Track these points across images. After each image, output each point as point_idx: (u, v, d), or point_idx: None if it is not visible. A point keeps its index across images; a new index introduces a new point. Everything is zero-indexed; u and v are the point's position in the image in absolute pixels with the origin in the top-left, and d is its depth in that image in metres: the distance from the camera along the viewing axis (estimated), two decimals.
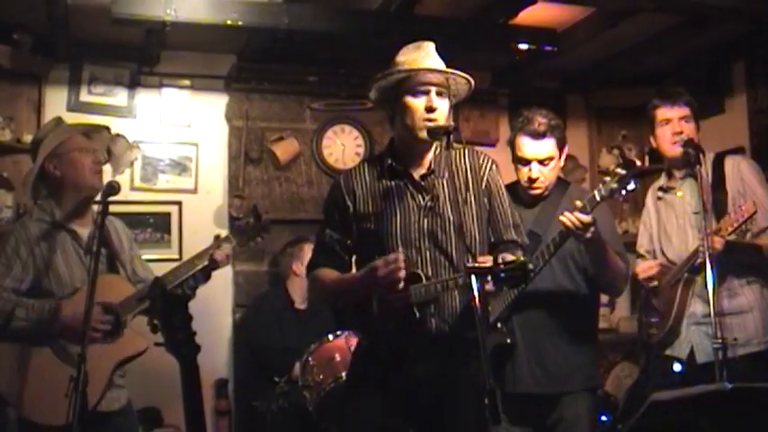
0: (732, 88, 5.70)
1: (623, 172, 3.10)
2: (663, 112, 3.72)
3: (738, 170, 3.66)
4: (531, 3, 4.73)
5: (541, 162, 3.49)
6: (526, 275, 2.58)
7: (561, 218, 3.20)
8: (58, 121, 3.69)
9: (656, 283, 3.76)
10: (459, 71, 2.92)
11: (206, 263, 3.77)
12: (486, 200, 3.01)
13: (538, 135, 3.46)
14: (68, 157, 3.51)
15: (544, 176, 3.51)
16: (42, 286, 3.41)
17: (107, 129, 3.81)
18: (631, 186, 3.09)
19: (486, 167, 3.04)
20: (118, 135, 5.43)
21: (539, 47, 5.28)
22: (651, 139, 3.83)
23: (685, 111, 3.69)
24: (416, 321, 2.85)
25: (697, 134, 3.71)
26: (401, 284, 2.77)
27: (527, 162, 3.51)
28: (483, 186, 3.01)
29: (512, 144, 3.60)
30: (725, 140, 5.14)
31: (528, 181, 3.53)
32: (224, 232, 5.63)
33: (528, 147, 3.49)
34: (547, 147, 3.48)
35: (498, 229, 3.02)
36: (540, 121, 3.46)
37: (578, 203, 3.16)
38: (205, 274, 3.80)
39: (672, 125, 3.68)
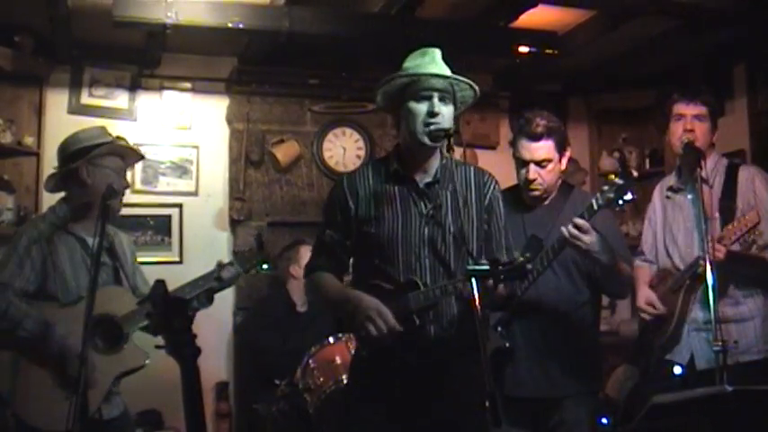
0: (732, 91, 5.69)
1: (621, 182, 3.10)
2: (678, 108, 3.67)
3: (752, 182, 3.61)
4: (532, 6, 4.73)
5: (539, 164, 3.50)
6: (524, 276, 2.65)
7: (562, 228, 3.22)
8: (105, 131, 3.67)
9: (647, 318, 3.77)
10: (462, 76, 2.93)
11: (212, 284, 3.75)
12: (486, 216, 3.02)
13: (535, 137, 3.47)
14: (104, 172, 3.49)
15: (542, 178, 3.51)
16: (47, 289, 3.40)
17: (142, 157, 3.80)
18: (628, 197, 3.09)
19: (490, 186, 3.05)
20: (118, 137, 5.43)
21: (539, 50, 5.28)
22: (665, 138, 3.79)
23: (700, 109, 3.63)
24: (416, 328, 2.86)
25: (712, 135, 3.68)
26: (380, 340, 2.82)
27: (525, 163, 3.52)
28: (485, 204, 3.02)
29: (512, 146, 3.62)
30: (726, 143, 5.11)
31: (525, 182, 3.54)
32: (225, 235, 5.69)
33: (525, 148, 3.50)
34: (544, 148, 3.48)
35: (491, 248, 3.02)
36: (538, 122, 3.47)
37: (594, 202, 3.20)
38: (208, 297, 3.79)
39: (684, 122, 3.63)
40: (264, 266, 4.06)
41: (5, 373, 3.31)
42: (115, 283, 3.60)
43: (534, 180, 3.51)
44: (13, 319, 3.28)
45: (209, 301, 3.80)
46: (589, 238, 3.19)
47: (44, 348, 3.29)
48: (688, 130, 3.61)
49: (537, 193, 3.55)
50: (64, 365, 3.28)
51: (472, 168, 3.04)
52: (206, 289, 3.73)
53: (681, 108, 3.66)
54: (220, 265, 3.81)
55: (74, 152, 3.53)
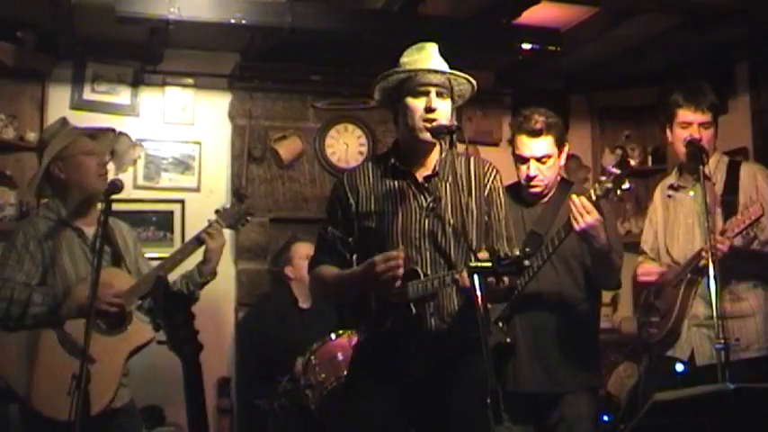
0: (735, 88, 5.68)
1: (618, 171, 3.11)
2: (684, 115, 3.63)
3: (754, 178, 3.61)
4: (535, 2, 4.73)
5: (539, 160, 3.51)
6: (521, 270, 2.63)
7: (572, 196, 3.23)
8: (64, 121, 3.69)
9: (651, 287, 3.75)
10: (461, 71, 2.94)
11: (197, 244, 3.72)
12: (486, 208, 3.02)
13: (535, 133, 3.48)
14: (73, 160, 3.51)
15: (542, 174, 3.53)
16: (47, 283, 3.43)
17: (112, 130, 3.81)
18: (626, 186, 3.10)
19: (490, 176, 3.06)
20: (121, 133, 5.44)
21: (542, 47, 5.27)
22: (667, 132, 3.76)
23: (707, 117, 3.60)
24: (413, 318, 2.86)
25: (716, 137, 3.66)
26: (398, 282, 2.80)
27: (525, 160, 3.53)
28: (485, 194, 3.03)
29: (511, 143, 3.62)
30: (728, 141, 5.11)
31: (527, 179, 3.55)
32: (226, 231, 5.64)
33: (525, 145, 3.51)
34: (544, 144, 3.50)
35: (491, 239, 3.03)
36: (537, 119, 3.48)
37: (592, 192, 3.20)
38: (209, 267, 3.76)
39: (690, 130, 3.60)
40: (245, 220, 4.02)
41: (14, 362, 3.33)
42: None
43: (535, 176, 3.52)
44: (20, 298, 3.31)
45: (212, 273, 3.76)
46: (590, 218, 3.19)
47: (61, 314, 3.33)
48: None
49: (538, 189, 3.56)
50: (75, 338, 3.30)
51: (472, 159, 3.01)
52: (195, 249, 3.71)
53: (687, 116, 3.63)
54: (209, 224, 3.79)
55: (40, 150, 3.57)
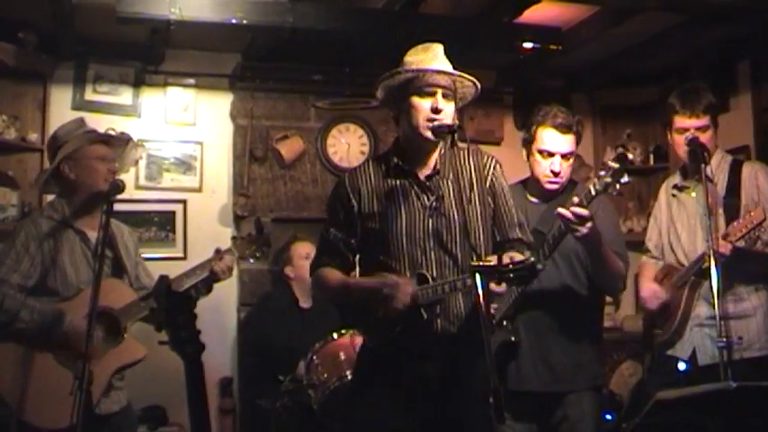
0: (737, 87, 5.68)
1: (617, 166, 3.10)
2: (681, 121, 3.63)
3: (755, 178, 3.61)
4: (536, 1, 4.73)
5: (564, 156, 3.48)
6: (534, 274, 2.61)
7: (559, 210, 3.20)
8: (81, 122, 3.68)
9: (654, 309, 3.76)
10: (466, 72, 2.94)
11: (207, 274, 3.73)
12: (490, 199, 3.02)
13: (565, 129, 3.45)
14: (84, 163, 3.50)
15: (563, 171, 3.51)
16: (47, 284, 3.41)
17: (129, 138, 3.79)
18: (624, 180, 3.08)
19: (490, 167, 3.05)
20: (122, 134, 5.43)
21: (543, 45, 5.27)
22: (668, 135, 3.77)
23: (703, 121, 3.60)
24: (424, 323, 2.86)
25: (716, 137, 3.66)
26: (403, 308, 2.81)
27: (550, 155, 3.48)
28: (487, 185, 3.02)
29: (531, 138, 3.53)
30: (730, 139, 5.12)
31: (550, 174, 3.49)
32: (228, 231, 5.68)
33: (554, 139, 3.46)
34: (570, 141, 3.48)
35: (503, 227, 3.03)
36: (565, 116, 3.46)
37: (575, 199, 3.16)
38: (206, 286, 3.77)
39: (687, 135, 3.60)
40: (262, 251, 4.03)
41: (6, 372, 3.31)
42: (115, 276, 3.60)
43: (559, 173, 3.49)
44: (9, 310, 3.28)
45: (208, 290, 3.79)
46: (590, 223, 3.18)
47: (46, 336, 3.30)
48: None
49: (557, 186, 3.52)
50: (69, 348, 3.28)
51: (470, 151, 3.00)
52: (204, 278, 3.71)
53: (683, 122, 3.63)
54: (218, 252, 3.79)
55: (54, 150, 3.55)
